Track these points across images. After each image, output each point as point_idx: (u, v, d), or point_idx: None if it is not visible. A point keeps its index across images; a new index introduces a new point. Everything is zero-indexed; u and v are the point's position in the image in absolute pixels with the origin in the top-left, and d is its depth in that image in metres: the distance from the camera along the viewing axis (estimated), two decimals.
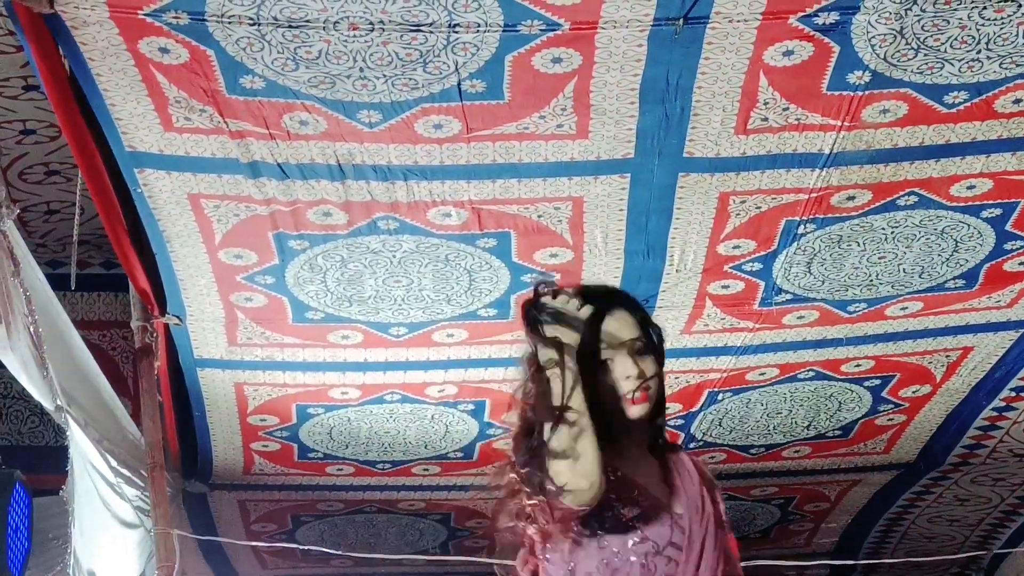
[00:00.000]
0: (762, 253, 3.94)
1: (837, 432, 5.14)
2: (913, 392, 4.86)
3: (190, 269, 3.90)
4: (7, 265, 3.31)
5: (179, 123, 3.27)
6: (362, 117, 3.26)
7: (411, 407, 4.77)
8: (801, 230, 3.84)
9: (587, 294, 2.46)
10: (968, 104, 3.33)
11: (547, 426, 2.34)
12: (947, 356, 4.62)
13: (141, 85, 3.14)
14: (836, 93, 3.28)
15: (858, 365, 4.65)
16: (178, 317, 4.15)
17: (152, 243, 3.79)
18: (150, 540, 4.53)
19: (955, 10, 3.02)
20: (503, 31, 3.00)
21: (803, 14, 3.03)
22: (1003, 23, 3.06)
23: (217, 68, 3.08)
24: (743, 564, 2.59)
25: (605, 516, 2.38)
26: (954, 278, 4.12)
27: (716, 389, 4.71)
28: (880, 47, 3.12)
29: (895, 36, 3.09)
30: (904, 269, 4.06)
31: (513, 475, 2.39)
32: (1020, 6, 3.03)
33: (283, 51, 3.03)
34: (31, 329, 3.45)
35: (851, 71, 3.20)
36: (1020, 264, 4.07)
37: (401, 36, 2.99)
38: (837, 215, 3.78)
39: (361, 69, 3.09)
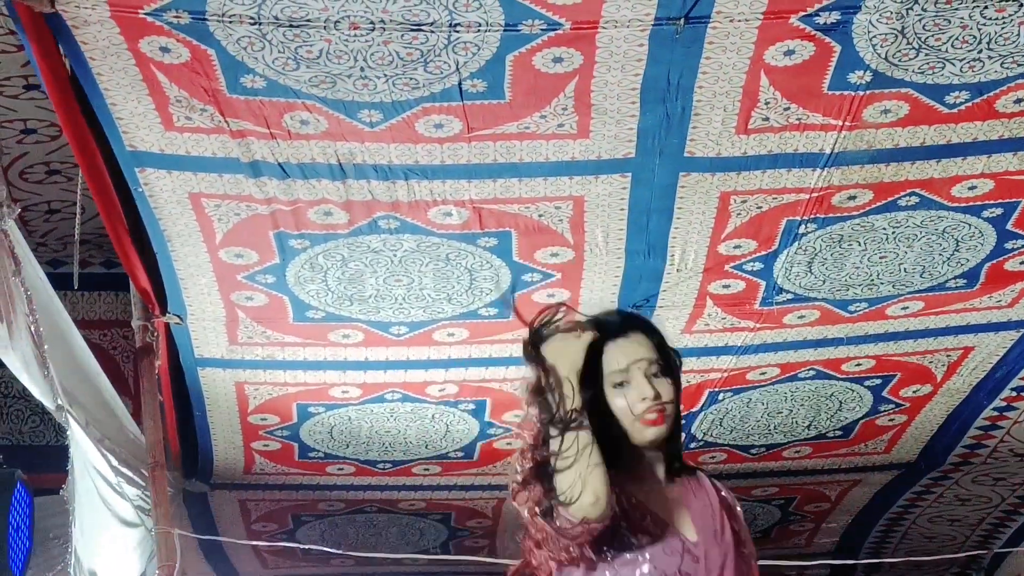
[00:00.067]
0: (763, 253, 3.94)
1: (838, 432, 5.14)
2: (914, 392, 4.85)
3: (191, 268, 3.90)
4: (8, 264, 3.31)
5: (180, 122, 3.27)
6: (363, 116, 3.26)
7: (412, 406, 4.77)
8: (802, 230, 3.84)
9: (603, 319, 2.51)
10: (969, 104, 3.33)
11: (553, 441, 2.36)
12: (948, 356, 4.62)
13: (142, 84, 3.14)
14: (837, 93, 3.28)
15: (859, 364, 4.65)
16: (179, 316, 4.15)
17: (153, 242, 3.79)
18: (151, 539, 4.53)
19: (956, 9, 3.02)
20: (504, 31, 3.00)
21: (804, 14, 3.03)
22: (1004, 22, 3.06)
23: (218, 67, 3.08)
24: None
25: (615, 543, 2.39)
26: (955, 277, 4.12)
27: (717, 389, 4.71)
28: (881, 47, 3.12)
29: (896, 36, 3.09)
30: (905, 269, 4.05)
31: (527, 502, 2.40)
32: (1021, 5, 3.03)
33: (284, 50, 3.03)
34: (32, 328, 3.45)
35: (852, 71, 3.20)
36: (1021, 263, 4.07)
37: (402, 35, 2.99)
38: (838, 215, 3.78)
39: (362, 68, 3.09)
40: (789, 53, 3.14)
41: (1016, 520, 6.01)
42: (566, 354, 2.45)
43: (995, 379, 4.73)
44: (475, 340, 4.33)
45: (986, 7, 3.01)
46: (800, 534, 6.14)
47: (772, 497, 5.72)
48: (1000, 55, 3.16)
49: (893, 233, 3.88)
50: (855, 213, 3.77)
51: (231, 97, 3.18)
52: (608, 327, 2.50)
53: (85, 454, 4.03)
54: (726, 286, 4.10)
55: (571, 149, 3.43)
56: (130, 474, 4.37)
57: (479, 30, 2.99)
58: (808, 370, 4.67)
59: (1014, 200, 3.77)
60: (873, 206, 3.75)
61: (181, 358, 4.41)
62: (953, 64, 3.18)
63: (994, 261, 4.04)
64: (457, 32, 2.98)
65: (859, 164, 3.55)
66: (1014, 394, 4.83)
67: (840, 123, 3.37)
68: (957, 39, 3.10)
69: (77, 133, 3.34)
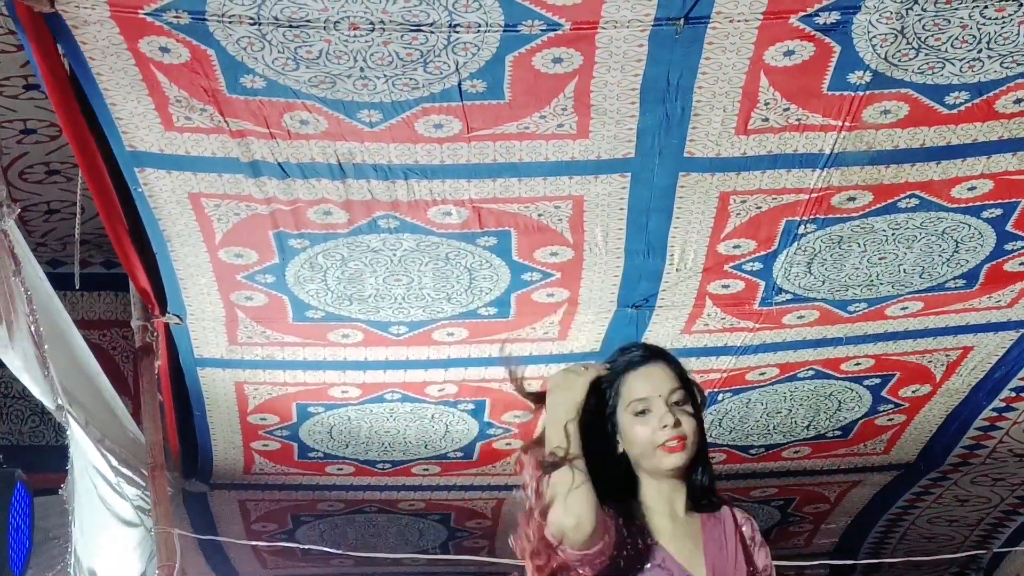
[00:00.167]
0: (762, 253, 3.94)
1: (837, 432, 5.14)
2: (913, 392, 4.86)
3: (190, 268, 3.90)
4: (8, 264, 3.31)
5: (179, 122, 3.27)
6: (363, 116, 3.26)
7: (411, 406, 4.77)
8: (801, 230, 3.84)
9: (624, 350, 2.56)
10: (969, 104, 3.33)
11: (545, 478, 2.40)
12: (947, 356, 4.62)
13: (141, 84, 3.14)
14: (837, 93, 3.28)
15: (858, 364, 4.65)
16: (178, 316, 4.15)
17: (152, 242, 3.79)
18: (151, 539, 4.53)
19: (956, 9, 3.02)
20: (504, 31, 3.00)
21: (804, 14, 3.03)
22: (1004, 22, 3.06)
23: (218, 67, 3.08)
24: None
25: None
26: (954, 278, 4.12)
27: (716, 389, 4.71)
28: (881, 47, 3.12)
29: (896, 36, 3.09)
30: (904, 269, 4.06)
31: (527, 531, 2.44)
32: (1021, 5, 3.03)
33: (284, 51, 3.03)
34: (32, 328, 3.45)
35: (852, 71, 3.20)
36: (1021, 264, 4.07)
37: (402, 36, 2.99)
38: (838, 216, 3.78)
39: (362, 69, 3.09)
40: (789, 53, 3.15)
41: (1015, 520, 6.01)
42: (567, 388, 2.48)
43: (994, 379, 4.73)
44: (474, 340, 4.33)
45: (986, 7, 3.01)
46: (799, 535, 6.14)
47: (771, 498, 5.72)
48: (1000, 55, 3.16)
49: (893, 235, 3.88)
50: (855, 214, 3.77)
51: (231, 97, 3.18)
52: (630, 357, 2.53)
53: (85, 454, 4.03)
54: (725, 286, 4.10)
55: (571, 149, 3.43)
56: (130, 474, 4.37)
57: (479, 31, 2.99)
58: (807, 370, 4.68)
59: (1014, 201, 3.77)
60: (873, 208, 3.75)
61: (181, 358, 4.41)
62: (953, 64, 3.18)
63: (993, 262, 4.04)
64: (457, 33, 2.99)
65: (859, 165, 3.56)
66: (1013, 394, 4.83)
67: (840, 124, 3.37)
68: (957, 39, 3.10)
69: (77, 133, 3.34)
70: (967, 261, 4.03)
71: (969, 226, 3.87)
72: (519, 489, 2.52)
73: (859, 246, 3.92)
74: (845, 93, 3.27)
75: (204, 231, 3.71)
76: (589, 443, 2.48)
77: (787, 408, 4.94)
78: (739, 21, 3.03)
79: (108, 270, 5.40)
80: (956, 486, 5.65)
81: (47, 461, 4.29)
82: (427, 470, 5.29)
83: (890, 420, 5.06)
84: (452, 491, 5.46)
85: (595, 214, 3.71)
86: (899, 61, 3.17)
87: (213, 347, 4.32)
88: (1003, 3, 3.02)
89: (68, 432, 3.86)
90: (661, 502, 2.50)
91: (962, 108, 3.34)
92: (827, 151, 3.48)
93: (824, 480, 5.60)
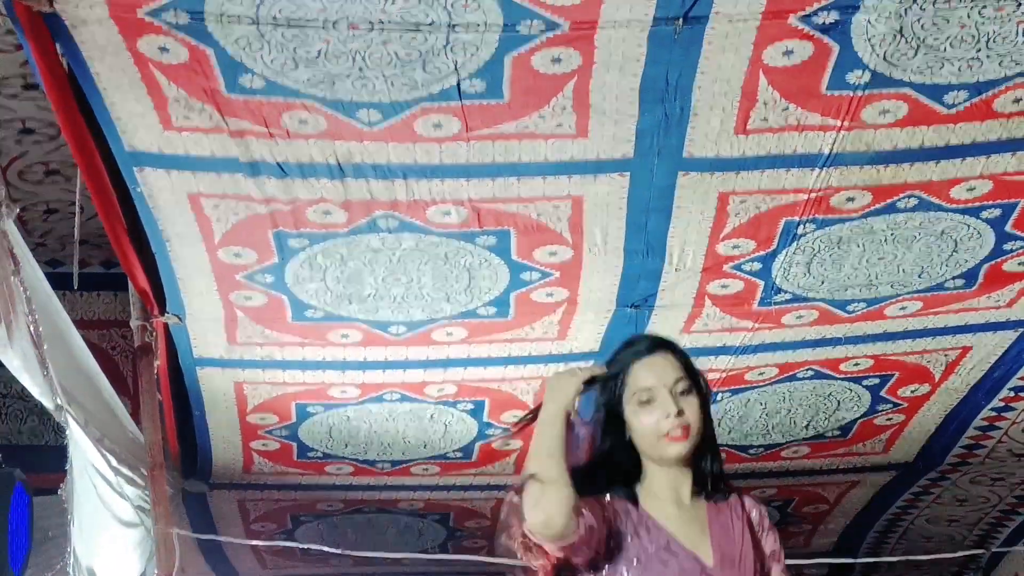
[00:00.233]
0: (761, 253, 3.94)
1: (836, 432, 5.14)
2: (912, 391, 4.86)
3: (189, 268, 3.90)
4: (7, 264, 3.31)
5: (178, 122, 3.27)
6: (361, 116, 3.26)
7: (410, 406, 4.77)
8: (801, 230, 3.84)
9: (630, 341, 2.61)
10: (968, 104, 3.33)
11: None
12: (946, 356, 4.62)
13: (140, 84, 3.14)
14: (836, 93, 3.28)
15: (857, 364, 4.65)
16: (178, 316, 4.15)
17: (151, 242, 3.79)
18: (150, 539, 4.53)
19: (955, 9, 3.02)
20: (503, 31, 3.00)
21: (803, 13, 3.03)
22: (1003, 21, 3.06)
23: (216, 67, 3.08)
24: None
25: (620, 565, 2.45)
26: (953, 278, 4.12)
27: (715, 389, 4.71)
28: (880, 46, 3.12)
29: (895, 35, 3.09)
30: (904, 270, 4.06)
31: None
32: (1020, 4, 3.03)
33: (283, 50, 3.03)
34: (32, 328, 3.45)
35: (851, 71, 3.20)
36: (1019, 264, 4.07)
37: (400, 36, 2.99)
38: (837, 216, 3.78)
39: (360, 69, 3.09)
40: (788, 53, 3.14)
41: (1014, 520, 6.02)
42: (559, 389, 2.53)
43: (993, 379, 4.73)
44: (474, 340, 4.33)
45: (985, 6, 3.01)
46: (798, 535, 6.15)
47: (771, 499, 5.72)
48: (999, 54, 3.16)
49: (892, 235, 3.88)
50: (854, 215, 3.78)
51: (230, 97, 3.18)
52: (637, 348, 2.57)
53: (84, 454, 4.03)
54: (724, 286, 4.10)
55: (570, 149, 3.43)
56: (129, 474, 4.37)
57: (478, 31, 2.99)
58: (806, 370, 4.68)
59: (1013, 201, 3.77)
60: (872, 208, 3.75)
61: (180, 358, 4.41)
62: (952, 64, 3.18)
63: (993, 262, 4.04)
64: (456, 32, 2.98)
65: (858, 165, 3.56)
66: (1012, 394, 4.83)
67: (839, 123, 3.37)
68: (956, 38, 3.10)
69: (75, 133, 3.34)
70: (966, 261, 4.03)
71: (968, 226, 3.87)
72: (510, 490, 2.56)
73: (858, 246, 3.92)
74: (844, 93, 3.27)
75: (203, 231, 3.71)
76: (599, 433, 2.54)
77: (786, 408, 4.95)
78: (738, 21, 3.03)
79: (107, 270, 5.40)
80: (955, 486, 5.66)
81: (46, 461, 4.29)
82: (426, 470, 5.29)
83: (889, 420, 5.07)
84: (451, 491, 5.46)
85: (594, 214, 3.71)
86: (898, 61, 3.17)
87: (212, 347, 4.32)
88: (1002, 2, 3.02)
89: (67, 432, 3.86)
90: (667, 489, 2.53)
91: (961, 108, 3.34)
92: (826, 151, 3.48)
93: (823, 480, 5.61)
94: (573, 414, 2.53)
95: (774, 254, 3.94)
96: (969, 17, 3.05)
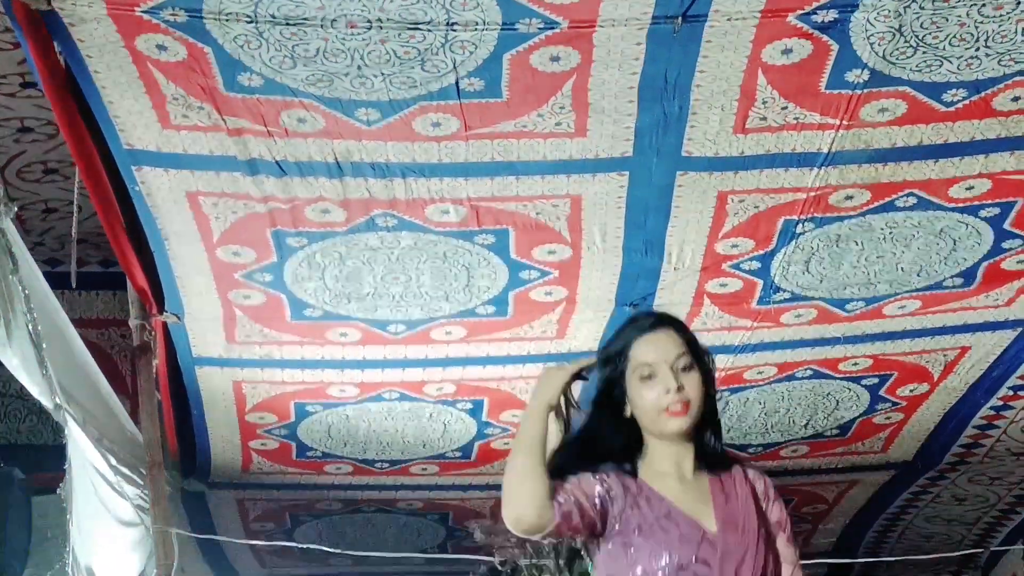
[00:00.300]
0: (760, 252, 3.94)
1: (835, 431, 5.14)
2: (911, 391, 4.86)
3: (188, 267, 3.90)
4: (6, 263, 3.32)
5: (177, 120, 3.27)
6: (360, 115, 3.26)
7: (409, 405, 4.77)
8: (799, 229, 3.84)
9: (634, 318, 2.63)
10: (967, 102, 3.33)
11: None
12: (945, 355, 4.62)
13: (139, 82, 3.14)
14: (835, 92, 3.28)
15: (856, 364, 4.65)
16: (176, 315, 4.15)
17: (150, 241, 3.78)
18: (150, 538, 4.53)
19: (954, 7, 3.01)
20: (501, 29, 3.00)
21: (802, 12, 3.02)
22: (1002, 20, 3.06)
23: (215, 65, 3.08)
24: None
25: (619, 533, 2.48)
26: (952, 276, 4.12)
27: None
28: (879, 45, 3.12)
29: (894, 34, 3.09)
30: (902, 268, 4.06)
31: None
32: (1019, 3, 3.03)
33: (281, 49, 3.03)
34: (30, 327, 3.45)
35: (850, 69, 3.20)
36: (1018, 263, 4.07)
37: (399, 34, 2.99)
38: (835, 215, 3.78)
39: (359, 67, 3.09)
40: (787, 52, 3.14)
41: (1012, 519, 6.02)
42: (546, 384, 2.58)
43: (992, 378, 4.73)
44: (473, 338, 4.33)
45: (983, 5, 3.01)
46: (798, 535, 6.10)
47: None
48: (997, 52, 3.16)
49: (890, 233, 3.88)
50: (852, 213, 3.77)
51: (228, 95, 3.18)
52: (640, 323, 2.60)
53: (83, 453, 4.03)
54: (723, 285, 4.10)
55: (568, 148, 3.43)
56: (128, 473, 4.37)
57: (476, 29, 2.99)
58: (805, 369, 4.68)
59: (1011, 200, 3.77)
60: (871, 206, 3.75)
61: (179, 357, 4.41)
62: (951, 62, 3.18)
63: (991, 260, 4.04)
64: (454, 31, 2.98)
65: (856, 163, 3.56)
66: (1011, 393, 4.83)
67: (837, 122, 3.37)
68: (955, 37, 3.10)
69: (74, 131, 3.34)
70: (965, 260, 4.03)
71: (967, 225, 3.87)
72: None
73: (857, 245, 3.92)
74: (843, 91, 3.27)
75: (202, 230, 3.71)
76: (598, 408, 2.58)
77: (785, 407, 4.94)
78: (737, 19, 3.03)
79: (106, 269, 5.40)
80: (954, 485, 5.66)
81: (45, 460, 4.30)
82: (425, 469, 5.29)
83: (888, 419, 5.06)
84: (450, 490, 5.46)
85: (593, 213, 3.70)
86: (897, 59, 3.17)
87: (211, 346, 4.32)
88: (1001, 1, 3.01)
89: (66, 431, 3.86)
90: (668, 464, 2.56)
91: (960, 106, 3.34)
92: (825, 150, 3.47)
93: (822, 480, 5.60)
94: (565, 408, 2.57)
95: (773, 253, 3.94)
96: (968, 16, 3.04)
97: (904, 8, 3.01)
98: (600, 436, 2.58)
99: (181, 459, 5.02)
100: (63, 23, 2.96)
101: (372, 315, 4.14)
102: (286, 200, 3.58)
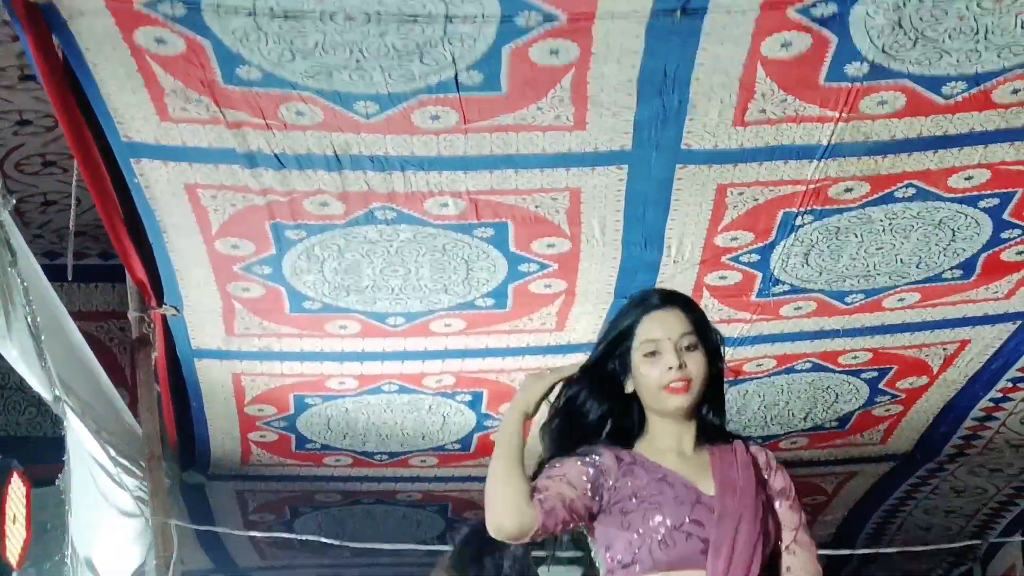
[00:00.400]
0: (759, 245, 3.94)
1: (834, 423, 5.14)
2: (910, 384, 4.86)
3: (187, 259, 3.90)
4: (5, 255, 3.31)
5: (175, 113, 3.26)
6: (359, 108, 3.26)
7: (408, 397, 4.77)
8: (799, 221, 3.83)
9: (644, 295, 2.64)
10: (966, 95, 3.32)
11: None
12: (944, 349, 4.62)
13: (137, 75, 3.13)
14: (834, 85, 3.27)
15: (855, 357, 4.65)
16: (175, 307, 4.15)
17: (149, 233, 3.78)
18: (150, 530, 4.54)
19: (953, 1, 3.01)
20: (500, 23, 2.99)
21: (801, 5, 3.02)
22: (1001, 13, 3.05)
23: (213, 58, 3.07)
24: None
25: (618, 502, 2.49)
26: (951, 268, 4.12)
27: None
28: (878, 38, 3.11)
29: (893, 27, 3.08)
30: (901, 260, 4.05)
31: None
32: None
33: (279, 42, 3.02)
34: (29, 319, 3.45)
35: (849, 62, 3.19)
36: (1018, 254, 4.07)
37: (398, 27, 2.98)
38: (835, 207, 3.78)
39: (358, 60, 3.08)
40: (786, 45, 3.14)
41: (1011, 511, 6.02)
42: (524, 390, 2.61)
43: (991, 370, 4.73)
44: (472, 331, 4.33)
45: None
46: None
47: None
48: (997, 46, 3.15)
49: (890, 225, 3.88)
50: (852, 205, 3.77)
51: (227, 88, 3.17)
52: (648, 301, 2.61)
53: (82, 444, 4.03)
54: (723, 278, 4.10)
55: (567, 141, 3.43)
56: (128, 465, 4.37)
57: (475, 22, 2.98)
58: (805, 362, 4.68)
59: (1010, 190, 3.77)
60: (870, 198, 3.74)
61: (178, 349, 4.41)
62: (950, 55, 3.17)
63: (990, 251, 4.04)
64: (453, 24, 2.98)
65: (856, 156, 3.55)
66: (1010, 385, 4.83)
67: (837, 115, 3.37)
68: (954, 30, 3.09)
69: (72, 124, 3.33)
70: (964, 251, 4.03)
71: (966, 215, 3.86)
72: None
73: (856, 236, 3.92)
74: (842, 84, 3.26)
75: (200, 222, 3.71)
76: (597, 382, 2.59)
77: (784, 400, 4.95)
78: (736, 12, 3.02)
79: (105, 261, 5.40)
80: (953, 476, 5.66)
81: (46, 452, 4.30)
82: (425, 461, 5.30)
83: (887, 411, 5.07)
84: (450, 482, 5.46)
85: (592, 206, 3.70)
86: (896, 52, 3.16)
87: (210, 338, 4.32)
88: None
89: (65, 423, 3.86)
90: (669, 440, 2.57)
91: (959, 99, 3.33)
92: (824, 142, 3.47)
93: (821, 471, 5.61)
94: (543, 410, 2.60)
95: (772, 245, 3.94)
96: (968, 9, 3.04)
97: (904, 1, 3.00)
98: (585, 408, 2.59)
99: (180, 451, 5.03)
100: (61, 16, 2.95)
101: (371, 307, 4.14)
102: (285, 193, 3.57)
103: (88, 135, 3.39)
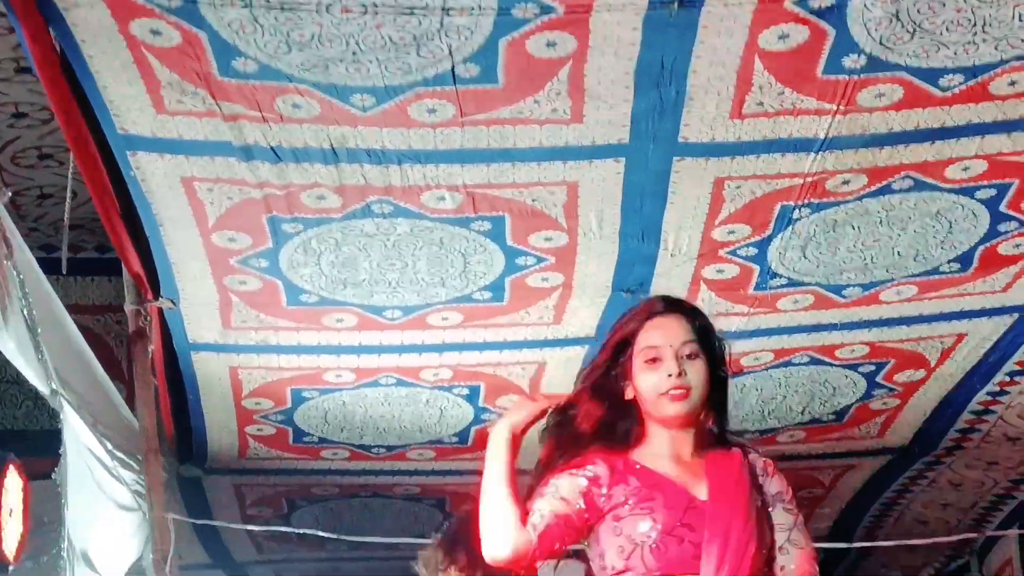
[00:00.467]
0: (757, 238, 3.94)
1: (831, 417, 5.14)
2: (907, 377, 4.86)
3: (183, 253, 3.89)
4: (0, 249, 3.30)
5: (171, 106, 3.26)
6: (355, 101, 3.25)
7: (406, 391, 4.77)
8: (796, 215, 3.83)
9: (649, 301, 2.65)
10: (963, 87, 3.32)
11: None
12: (941, 342, 4.62)
13: (133, 67, 3.12)
14: (831, 77, 3.26)
15: (853, 351, 4.65)
16: (172, 301, 4.15)
17: (145, 227, 3.78)
18: (147, 524, 4.53)
19: None
20: (497, 15, 2.98)
21: None
22: (999, 5, 3.05)
23: (209, 51, 3.06)
24: None
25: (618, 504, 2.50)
26: (949, 261, 4.11)
27: None
28: (876, 30, 3.11)
29: (891, 19, 3.08)
30: (899, 252, 4.05)
31: None
32: None
33: (276, 34, 3.01)
34: (25, 312, 3.44)
35: (846, 55, 3.18)
36: (1015, 247, 4.07)
37: (394, 19, 2.97)
38: (832, 199, 3.77)
39: (354, 53, 3.08)
40: (783, 37, 3.13)
41: (1008, 504, 6.03)
42: (514, 411, 2.60)
43: (988, 364, 4.73)
44: (469, 324, 4.33)
45: None
46: None
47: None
48: (995, 38, 3.14)
49: (887, 216, 3.87)
50: (849, 197, 3.77)
51: (223, 80, 3.16)
52: (652, 307, 2.62)
53: (79, 438, 4.02)
54: (720, 271, 4.09)
55: (565, 134, 3.42)
56: (125, 459, 4.37)
57: (471, 14, 2.97)
58: (802, 356, 4.68)
59: (1007, 181, 3.76)
60: (867, 190, 3.74)
61: (174, 343, 4.41)
62: (948, 47, 3.17)
63: (987, 244, 4.03)
64: (449, 16, 2.97)
65: (853, 148, 3.55)
66: (1007, 379, 4.83)
67: (834, 107, 3.36)
68: (952, 22, 3.09)
69: (68, 117, 3.32)
70: (961, 243, 4.03)
71: (963, 207, 3.86)
72: None
73: (853, 229, 3.91)
74: (840, 77, 3.26)
75: (197, 215, 3.70)
76: (599, 389, 2.59)
77: (782, 394, 4.95)
78: (733, 5, 3.01)
79: (101, 255, 5.40)
80: (950, 470, 5.66)
81: (43, 446, 4.29)
82: (422, 455, 5.30)
83: (884, 404, 5.07)
84: (447, 476, 5.46)
85: (589, 199, 3.70)
86: (894, 45, 3.15)
87: (207, 331, 4.31)
88: None
89: (62, 416, 3.85)
90: (666, 447, 2.57)
91: (956, 91, 3.33)
92: (822, 135, 3.47)
93: (818, 464, 5.61)
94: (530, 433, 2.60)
95: (770, 239, 3.94)
96: (965, 1, 3.03)
97: None
98: (601, 420, 2.58)
99: (177, 445, 5.03)
100: (57, 8, 2.95)
101: (368, 301, 4.14)
102: (281, 186, 3.57)
103: (84, 128, 3.38)
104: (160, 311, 4.23)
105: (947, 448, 5.40)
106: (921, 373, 4.82)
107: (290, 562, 6.58)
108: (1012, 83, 3.31)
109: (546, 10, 2.99)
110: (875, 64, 3.21)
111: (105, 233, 3.99)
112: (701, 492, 2.51)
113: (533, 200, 3.69)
